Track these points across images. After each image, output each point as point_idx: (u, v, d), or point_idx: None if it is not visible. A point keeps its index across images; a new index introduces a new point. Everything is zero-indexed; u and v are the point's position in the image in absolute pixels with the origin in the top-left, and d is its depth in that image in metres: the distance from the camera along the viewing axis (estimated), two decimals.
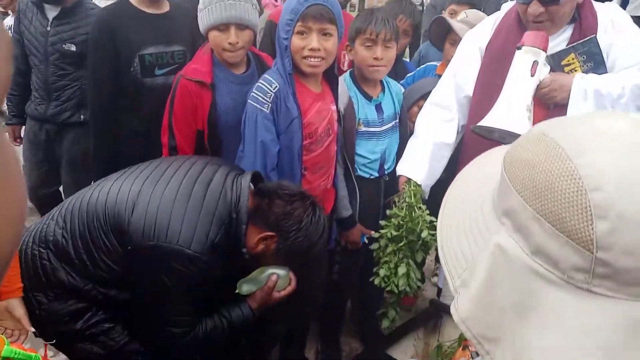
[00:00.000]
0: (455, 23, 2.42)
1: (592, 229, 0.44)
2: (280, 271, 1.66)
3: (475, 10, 2.58)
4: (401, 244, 1.88)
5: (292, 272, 1.71)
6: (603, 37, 1.73)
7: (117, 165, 2.30)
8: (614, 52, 1.75)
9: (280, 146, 1.82)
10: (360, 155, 2.12)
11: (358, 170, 2.14)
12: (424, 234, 1.84)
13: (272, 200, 1.54)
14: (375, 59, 2.00)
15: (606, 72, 1.75)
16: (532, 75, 1.60)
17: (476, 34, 2.01)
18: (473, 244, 0.55)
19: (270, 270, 1.64)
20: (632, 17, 1.90)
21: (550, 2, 1.70)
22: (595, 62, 1.75)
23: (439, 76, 2.45)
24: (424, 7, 4.83)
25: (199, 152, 1.98)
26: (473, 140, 1.92)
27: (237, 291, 1.64)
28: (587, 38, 1.74)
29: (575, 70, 1.76)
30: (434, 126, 2.02)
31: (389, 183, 2.20)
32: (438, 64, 2.57)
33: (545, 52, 1.64)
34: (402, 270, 1.88)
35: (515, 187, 0.50)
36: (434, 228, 1.88)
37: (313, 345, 2.54)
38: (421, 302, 3.01)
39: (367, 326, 2.63)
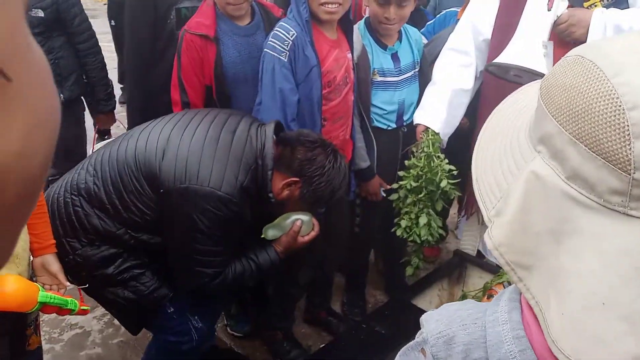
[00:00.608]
0: None
1: (630, 149, 0.43)
2: (304, 217, 1.71)
3: None
4: (421, 194, 1.88)
5: (315, 219, 1.75)
6: None
7: (148, 113, 2.26)
8: None
9: (299, 96, 1.80)
10: (377, 106, 2.09)
11: (374, 121, 2.11)
12: (443, 183, 1.83)
13: (295, 147, 1.58)
14: (387, 18, 1.94)
15: (628, 7, 1.68)
16: (549, 10, 1.55)
17: None
18: (508, 173, 0.55)
19: (295, 216, 1.70)
20: None
21: None
22: None
23: None
24: None
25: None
26: (493, 86, 1.88)
27: (262, 236, 1.69)
28: None
29: (596, 6, 1.70)
30: (452, 72, 1.97)
31: (407, 134, 2.15)
32: (458, 10, 2.47)
33: None
34: (423, 220, 1.88)
35: (551, 113, 0.49)
36: (453, 177, 1.88)
37: (338, 297, 2.59)
38: (445, 255, 3.02)
39: (391, 277, 2.65)
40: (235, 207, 1.49)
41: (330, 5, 1.76)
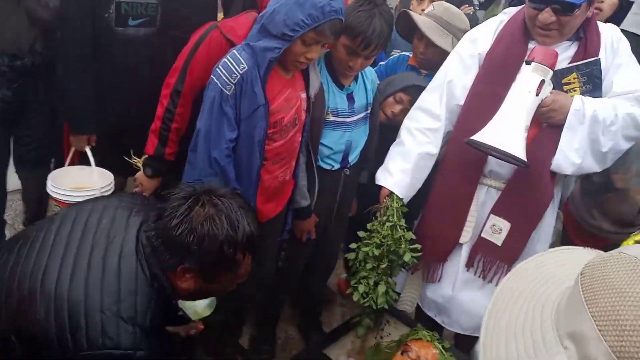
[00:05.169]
0: (419, 19, 2.27)
1: None
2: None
3: (441, 2, 2.42)
4: (383, 265, 1.83)
5: None
6: (602, 60, 1.69)
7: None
8: (609, 76, 1.72)
9: (239, 132, 1.64)
10: (325, 146, 1.99)
11: (320, 161, 2.01)
12: (407, 257, 1.80)
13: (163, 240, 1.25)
14: (351, 67, 1.86)
15: (601, 97, 1.71)
16: (537, 95, 1.54)
17: (476, 38, 1.88)
18: (524, 357, 0.48)
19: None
20: (625, 32, 1.89)
21: (563, 12, 1.62)
22: (594, 85, 1.71)
23: (412, 67, 2.37)
24: None
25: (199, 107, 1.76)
26: (456, 149, 1.87)
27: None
28: (592, 60, 1.69)
29: (574, 91, 1.72)
30: (420, 135, 1.91)
31: (349, 177, 2.10)
32: (410, 55, 2.43)
33: (553, 70, 1.58)
34: (382, 289, 1.84)
35: (591, 311, 0.42)
36: (417, 250, 1.87)
37: (247, 331, 2.45)
38: None
39: (307, 316, 2.57)
40: (142, 355, 1.18)
41: (304, 64, 1.68)
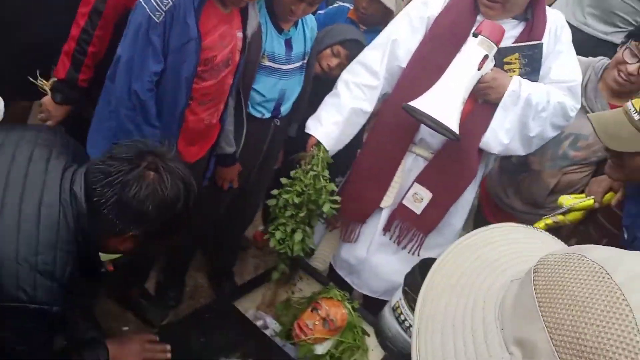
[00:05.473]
0: None
1: None
2: None
3: None
4: (302, 213, 1.82)
5: None
6: (544, 44, 1.71)
7: None
8: (549, 62, 1.75)
9: (165, 66, 1.50)
10: (257, 92, 1.88)
11: (250, 107, 1.91)
12: (326, 208, 1.80)
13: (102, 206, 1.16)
14: (292, 11, 1.75)
15: (537, 81, 1.74)
16: (479, 70, 1.55)
17: (427, 1, 1.83)
18: (462, 353, 0.45)
19: None
20: None
21: None
22: (533, 69, 1.73)
23: (350, 20, 2.30)
24: None
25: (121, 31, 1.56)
26: (390, 112, 1.85)
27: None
28: (535, 43, 1.70)
29: (514, 71, 1.73)
30: (356, 90, 1.87)
31: (279, 128, 2.02)
32: (351, 8, 2.34)
33: (498, 47, 1.58)
34: (298, 237, 1.84)
35: (546, 322, 0.39)
36: (336, 202, 1.86)
37: (155, 275, 2.35)
38: None
39: (218, 266, 2.51)
40: (56, 309, 1.12)
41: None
